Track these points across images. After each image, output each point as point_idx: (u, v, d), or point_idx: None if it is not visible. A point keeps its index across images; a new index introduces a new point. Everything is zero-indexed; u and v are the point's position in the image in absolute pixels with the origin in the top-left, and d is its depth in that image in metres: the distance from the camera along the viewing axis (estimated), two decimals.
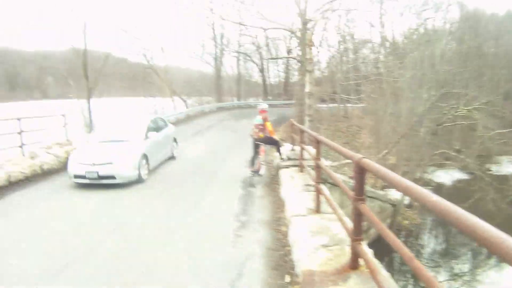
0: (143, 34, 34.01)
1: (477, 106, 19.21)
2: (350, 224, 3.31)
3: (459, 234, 15.18)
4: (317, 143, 4.52)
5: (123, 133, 8.14)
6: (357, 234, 2.88)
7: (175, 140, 10.24)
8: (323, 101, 29.37)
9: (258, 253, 4.13)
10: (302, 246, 3.70)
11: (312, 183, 5.90)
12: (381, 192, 14.55)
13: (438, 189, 17.09)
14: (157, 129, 8.92)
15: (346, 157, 3.03)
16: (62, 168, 8.68)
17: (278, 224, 5.05)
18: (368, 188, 12.45)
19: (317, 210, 4.58)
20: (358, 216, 2.81)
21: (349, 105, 30.15)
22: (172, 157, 9.81)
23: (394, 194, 16.48)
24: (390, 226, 13.36)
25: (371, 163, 2.51)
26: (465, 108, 19.02)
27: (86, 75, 16.79)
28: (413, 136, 18.05)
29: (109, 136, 8.12)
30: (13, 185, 7.37)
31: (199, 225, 5.07)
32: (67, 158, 9.07)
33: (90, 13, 17.10)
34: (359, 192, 2.73)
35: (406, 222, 14.91)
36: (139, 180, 7.27)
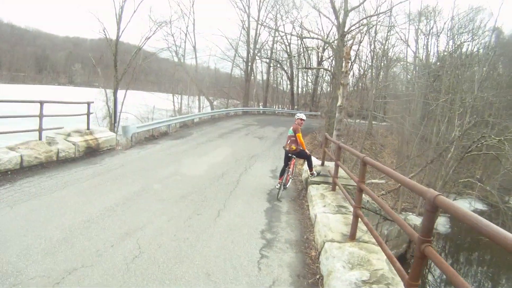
0: (176, 30, 33.96)
1: (508, 137, 18.40)
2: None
3: (469, 263, 14.80)
4: (364, 165, 4.04)
5: None
6: (415, 279, 2.50)
7: None
8: (349, 116, 28.89)
9: (285, 279, 3.77)
10: (338, 279, 3.31)
11: (345, 204, 5.50)
12: (400, 216, 14.03)
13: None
14: None
15: (415, 191, 2.61)
16: (79, 157, 8.54)
17: (307, 246, 4.66)
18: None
19: (353, 237, 4.17)
20: (420, 260, 2.44)
21: (374, 122, 29.45)
22: None
23: (413, 219, 15.83)
24: (406, 251, 13.05)
25: (449, 201, 2.13)
26: (497, 138, 18.21)
27: (115, 65, 16.73)
28: (437, 161, 17.41)
29: None
30: (25, 170, 6.93)
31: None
32: (85, 147, 8.94)
33: (126, 7, 17.22)
34: (427, 233, 2.35)
35: None
36: None
